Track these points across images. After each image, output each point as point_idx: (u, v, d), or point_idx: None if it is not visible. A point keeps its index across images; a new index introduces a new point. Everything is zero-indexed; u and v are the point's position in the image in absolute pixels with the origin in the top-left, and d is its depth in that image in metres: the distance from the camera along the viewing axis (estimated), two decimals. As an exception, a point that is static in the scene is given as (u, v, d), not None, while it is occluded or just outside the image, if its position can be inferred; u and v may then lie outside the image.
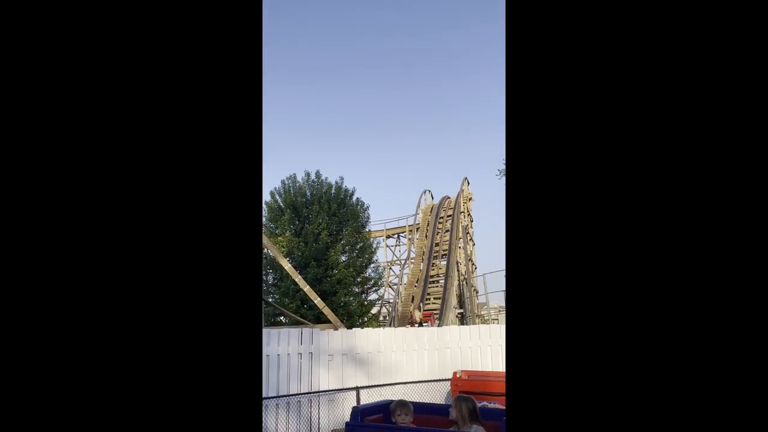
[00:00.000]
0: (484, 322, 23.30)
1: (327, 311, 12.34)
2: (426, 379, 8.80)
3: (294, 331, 8.73)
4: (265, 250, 16.09)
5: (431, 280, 24.48)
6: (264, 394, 7.65)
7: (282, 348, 8.56)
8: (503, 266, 18.79)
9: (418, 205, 30.94)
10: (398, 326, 17.93)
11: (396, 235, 30.80)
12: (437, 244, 26.70)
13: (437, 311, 21.66)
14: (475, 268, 27.48)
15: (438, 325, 18.65)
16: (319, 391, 8.46)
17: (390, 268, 29.49)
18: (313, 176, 22.46)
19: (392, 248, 30.81)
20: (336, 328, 10.01)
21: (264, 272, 19.30)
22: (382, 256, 29.17)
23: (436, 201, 31.28)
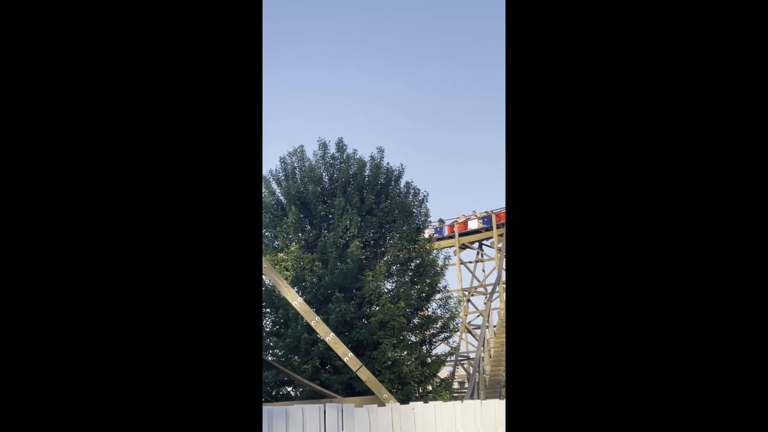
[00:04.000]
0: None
1: (365, 375, 10.41)
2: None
3: (311, 410, 6.80)
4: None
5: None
6: None
7: (291, 438, 7.16)
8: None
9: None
10: (487, 398, 14.79)
11: (477, 244, 25.25)
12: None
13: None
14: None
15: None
16: None
17: (469, 301, 24.89)
18: (332, 149, 17.51)
19: (471, 266, 25.44)
20: (382, 404, 8.16)
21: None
22: (454, 280, 24.82)
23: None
